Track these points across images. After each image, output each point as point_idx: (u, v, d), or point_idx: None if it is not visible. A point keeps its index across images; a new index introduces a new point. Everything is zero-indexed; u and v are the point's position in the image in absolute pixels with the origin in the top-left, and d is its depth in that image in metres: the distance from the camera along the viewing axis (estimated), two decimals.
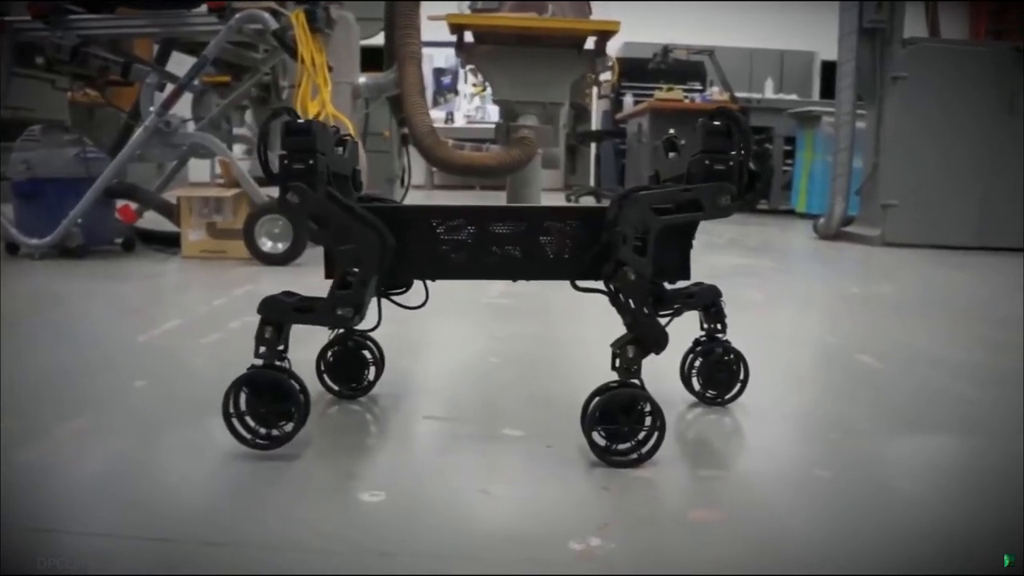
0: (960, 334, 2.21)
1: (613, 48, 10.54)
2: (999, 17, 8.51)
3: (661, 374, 1.47)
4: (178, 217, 3.36)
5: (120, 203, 3.61)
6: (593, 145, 10.35)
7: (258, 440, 1.13)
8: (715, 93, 7.90)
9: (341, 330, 1.39)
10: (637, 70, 9.20)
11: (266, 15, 3.12)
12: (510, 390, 1.53)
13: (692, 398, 1.43)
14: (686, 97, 7.69)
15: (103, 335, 1.97)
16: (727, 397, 1.43)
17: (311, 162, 1.13)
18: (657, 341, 1.14)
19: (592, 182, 10.44)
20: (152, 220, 3.73)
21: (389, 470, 1.11)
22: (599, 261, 1.18)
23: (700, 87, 8.98)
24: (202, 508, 0.98)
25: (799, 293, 3.00)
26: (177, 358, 1.72)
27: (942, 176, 4.77)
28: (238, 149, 5.84)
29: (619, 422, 1.11)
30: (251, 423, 1.13)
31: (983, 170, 4.78)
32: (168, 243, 3.54)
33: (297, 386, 1.14)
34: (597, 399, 1.13)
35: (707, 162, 1.15)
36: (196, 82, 3.64)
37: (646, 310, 1.14)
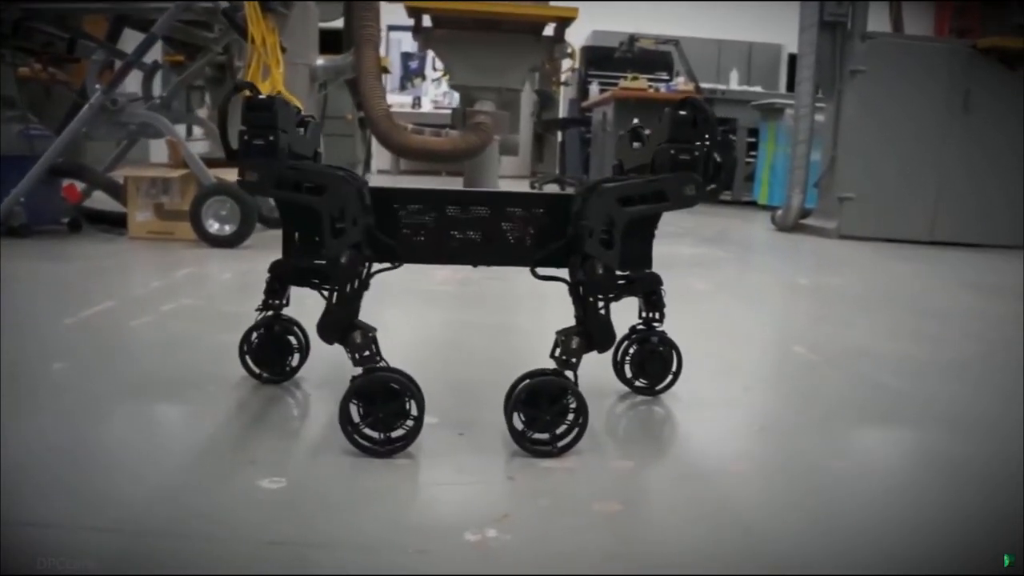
0: (895, 326, 2.23)
1: (581, 36, 10.56)
2: (962, 14, 8.58)
3: (593, 360, 1.46)
4: (125, 197, 3.31)
5: (66, 182, 3.54)
6: (559, 133, 10.34)
7: (386, 447, 1.08)
8: (680, 83, 7.91)
9: (269, 313, 1.37)
10: (604, 59, 9.18)
11: None
12: (435, 377, 1.51)
13: (623, 387, 1.43)
14: (651, 87, 7.69)
15: (30, 316, 1.92)
16: (657, 388, 1.42)
17: (271, 138, 1.11)
18: (604, 340, 1.13)
19: (557, 170, 10.43)
20: (103, 200, 3.67)
21: (295, 457, 1.09)
22: (564, 252, 1.18)
23: (667, 77, 8.99)
24: (90, 493, 0.95)
25: (747, 284, 3.01)
26: (101, 341, 1.69)
27: (898, 171, 4.81)
28: (197, 131, 5.75)
29: (542, 410, 1.10)
30: (372, 431, 1.08)
31: (938, 166, 4.83)
32: (115, 223, 3.48)
33: (407, 379, 1.10)
34: (526, 382, 1.12)
35: (672, 152, 1.14)
36: (159, 60, 3.60)
37: (602, 307, 1.13)
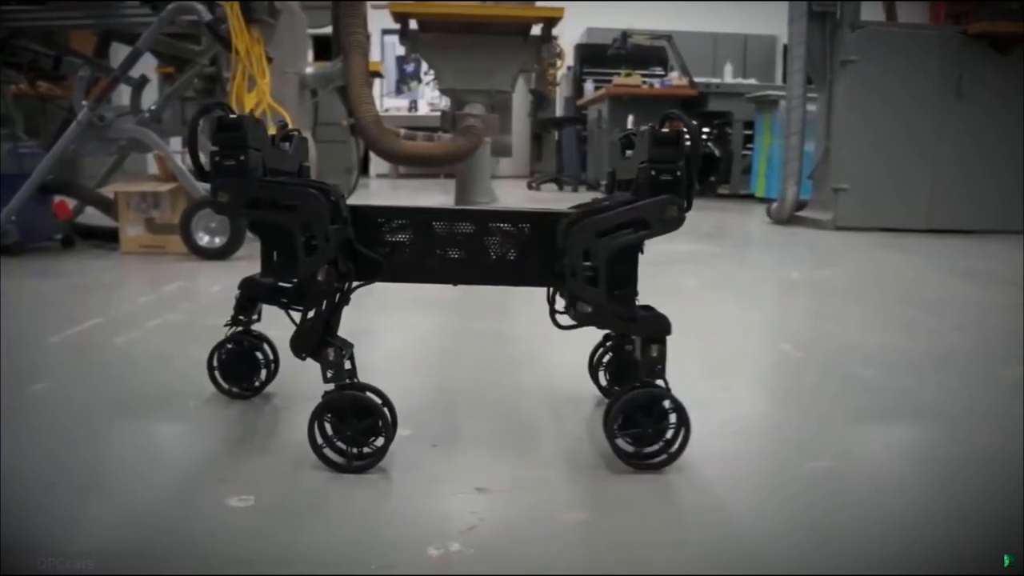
0: (887, 319, 2.22)
1: (575, 34, 10.55)
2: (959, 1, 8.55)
3: (568, 367, 1.46)
4: (116, 212, 3.31)
5: (56, 199, 3.55)
6: (556, 132, 10.35)
7: (354, 463, 1.08)
8: (674, 78, 7.90)
9: (238, 328, 1.37)
10: (598, 56, 9.18)
11: (199, 6, 3.07)
12: (415, 386, 1.51)
13: (596, 393, 1.42)
14: (644, 82, 7.68)
15: (17, 335, 1.92)
16: None
17: (242, 158, 1.11)
18: (662, 328, 1.12)
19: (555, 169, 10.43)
20: (97, 216, 3.68)
21: (265, 474, 1.08)
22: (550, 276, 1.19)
23: (662, 72, 8.99)
24: (57, 514, 0.95)
25: (739, 280, 3.00)
26: (85, 359, 1.69)
27: (892, 160, 4.80)
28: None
29: (644, 425, 1.11)
30: (342, 447, 1.09)
31: (932, 153, 4.82)
32: (107, 239, 3.49)
33: (379, 399, 1.10)
34: (620, 400, 1.12)
35: (653, 172, 1.11)
36: (145, 75, 3.60)
37: (626, 307, 1.13)
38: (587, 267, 1.12)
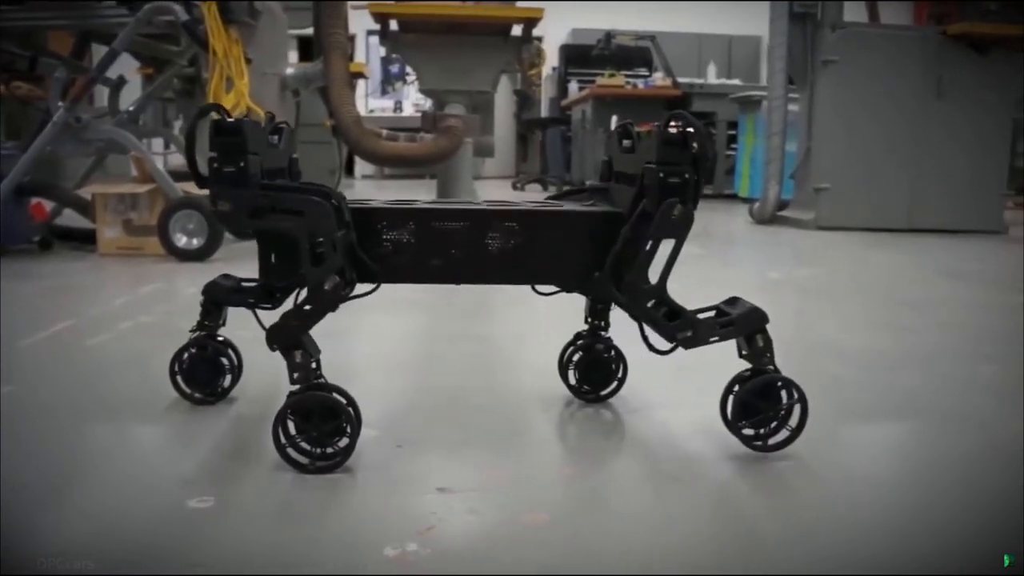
0: (864, 318, 2.23)
1: (560, 35, 10.55)
2: (942, 1, 8.59)
3: (539, 368, 1.46)
4: (93, 214, 3.29)
5: (34, 201, 3.52)
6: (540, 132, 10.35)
7: (317, 463, 1.07)
8: (658, 79, 7.91)
9: (202, 333, 1.36)
10: (582, 57, 9.19)
11: (176, 6, 3.06)
12: (384, 388, 1.51)
13: (569, 394, 1.42)
14: (628, 83, 7.69)
15: None
16: (602, 394, 1.42)
17: (242, 164, 1.07)
18: (760, 319, 1.16)
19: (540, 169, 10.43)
20: (73, 217, 3.65)
21: (225, 475, 1.08)
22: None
23: (646, 72, 8.99)
24: (15, 518, 0.94)
25: (719, 280, 3.00)
26: (56, 361, 1.67)
27: (873, 159, 4.82)
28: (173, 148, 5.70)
29: (762, 410, 1.14)
30: (306, 447, 1.07)
31: (913, 153, 4.84)
32: (85, 240, 3.46)
33: (344, 400, 1.09)
34: (733, 392, 1.16)
35: (661, 175, 1.09)
36: (123, 75, 3.58)
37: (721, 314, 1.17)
38: (655, 305, 1.14)
